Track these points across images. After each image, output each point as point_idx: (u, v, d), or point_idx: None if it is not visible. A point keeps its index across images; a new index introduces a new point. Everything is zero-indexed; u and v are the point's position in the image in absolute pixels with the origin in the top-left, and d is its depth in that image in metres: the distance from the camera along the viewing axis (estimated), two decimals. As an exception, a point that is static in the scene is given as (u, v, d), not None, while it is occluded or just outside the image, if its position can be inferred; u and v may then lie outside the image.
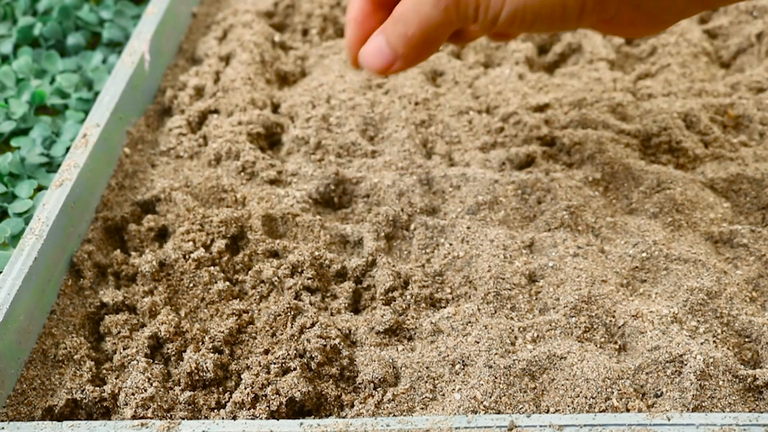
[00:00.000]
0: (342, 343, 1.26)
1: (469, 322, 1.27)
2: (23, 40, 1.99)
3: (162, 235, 1.48)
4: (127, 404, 1.21)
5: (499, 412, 1.15)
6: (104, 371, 1.28)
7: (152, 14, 1.82)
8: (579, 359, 1.19)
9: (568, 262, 1.34)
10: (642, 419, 1.10)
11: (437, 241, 1.42)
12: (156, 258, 1.39)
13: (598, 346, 1.24)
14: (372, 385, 1.22)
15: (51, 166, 1.71)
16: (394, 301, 1.33)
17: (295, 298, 1.34)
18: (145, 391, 1.22)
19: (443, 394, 1.19)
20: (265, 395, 1.20)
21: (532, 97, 1.68)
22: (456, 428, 1.11)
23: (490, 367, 1.19)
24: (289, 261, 1.38)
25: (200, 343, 1.29)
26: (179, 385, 1.24)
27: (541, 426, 1.11)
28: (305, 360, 1.24)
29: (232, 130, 1.62)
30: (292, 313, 1.30)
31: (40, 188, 1.66)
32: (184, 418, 1.20)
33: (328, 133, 1.63)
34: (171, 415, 1.21)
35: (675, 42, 1.77)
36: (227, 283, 1.37)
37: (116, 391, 1.24)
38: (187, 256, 1.39)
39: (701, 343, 1.20)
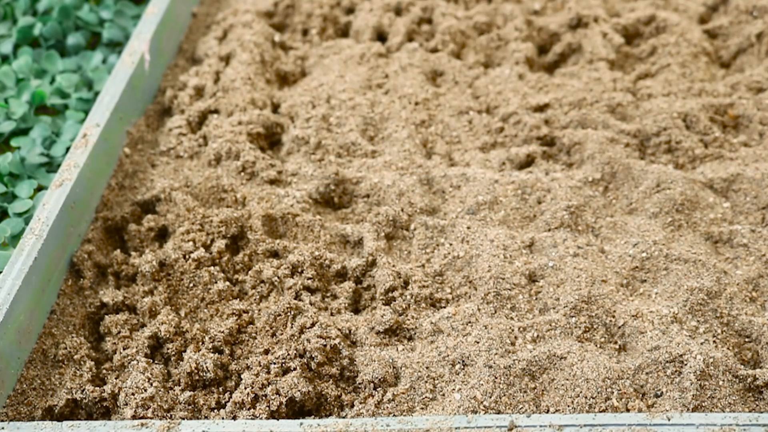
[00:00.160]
0: (342, 343, 1.26)
1: (469, 322, 1.27)
2: (23, 40, 1.99)
3: (162, 235, 1.48)
4: (127, 404, 1.21)
5: (499, 412, 1.15)
6: (104, 371, 1.28)
7: (152, 14, 1.82)
8: (579, 359, 1.19)
9: (568, 262, 1.34)
10: (642, 419, 1.10)
11: (437, 241, 1.42)
12: (156, 258, 1.39)
13: (598, 346, 1.24)
14: (372, 385, 1.22)
15: (51, 166, 1.71)
16: (394, 301, 1.33)
17: (295, 298, 1.34)
18: (145, 391, 1.22)
19: (443, 394, 1.19)
20: (265, 395, 1.20)
21: (532, 97, 1.68)
22: (456, 428, 1.11)
23: (490, 367, 1.19)
24: (289, 261, 1.38)
25: (200, 343, 1.29)
26: (179, 385, 1.24)
27: (541, 426, 1.11)
28: (305, 360, 1.24)
29: (232, 130, 1.62)
30: (292, 313, 1.30)
31: (40, 188, 1.66)
32: (184, 418, 1.20)
33: (328, 133, 1.63)
34: (171, 415, 1.20)
35: (675, 42, 1.77)
36: (227, 283, 1.37)
37: (116, 391, 1.24)
38: (187, 256, 1.39)
39: (701, 343, 1.20)
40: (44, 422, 1.17)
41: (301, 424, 1.14)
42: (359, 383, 1.23)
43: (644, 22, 1.84)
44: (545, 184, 1.48)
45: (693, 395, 1.15)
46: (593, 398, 1.16)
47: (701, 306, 1.26)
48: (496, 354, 1.21)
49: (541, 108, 1.67)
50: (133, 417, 1.20)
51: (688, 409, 1.14)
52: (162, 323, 1.31)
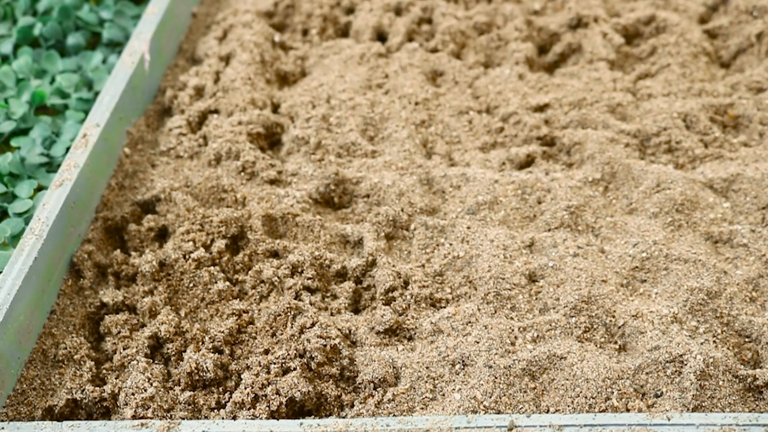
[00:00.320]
0: (342, 343, 1.26)
1: (469, 322, 1.27)
2: (23, 40, 1.99)
3: (162, 235, 1.48)
4: (127, 404, 1.21)
5: (499, 412, 1.15)
6: (104, 371, 1.28)
7: (152, 14, 1.82)
8: (579, 359, 1.19)
9: (568, 262, 1.34)
10: (642, 419, 1.10)
11: (437, 241, 1.42)
12: (156, 258, 1.39)
13: (598, 346, 1.24)
14: (372, 385, 1.22)
15: (51, 166, 1.71)
16: (394, 301, 1.33)
17: (295, 298, 1.34)
18: (145, 391, 1.22)
19: (443, 394, 1.19)
20: (265, 395, 1.20)
21: (532, 97, 1.68)
22: (456, 428, 1.11)
23: (490, 367, 1.19)
24: (289, 261, 1.38)
25: (200, 343, 1.29)
26: (179, 385, 1.24)
27: (541, 426, 1.11)
28: (305, 360, 1.24)
29: (232, 130, 1.62)
30: (292, 313, 1.30)
31: (40, 188, 1.66)
32: (184, 418, 1.20)
33: (328, 133, 1.63)
34: (171, 415, 1.21)
35: (675, 42, 1.77)
36: (227, 283, 1.37)
37: (116, 391, 1.24)
38: (187, 256, 1.39)
39: (701, 343, 1.20)
40: (44, 422, 1.17)
41: (301, 424, 1.14)
42: (359, 383, 1.23)
43: (644, 22, 1.84)
44: (545, 184, 1.48)
45: (693, 395, 1.15)
46: (593, 398, 1.16)
47: (701, 306, 1.26)
48: (496, 354, 1.21)
49: (541, 108, 1.67)
50: (133, 417, 1.20)
51: (688, 409, 1.14)
52: (162, 323, 1.31)
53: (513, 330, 1.25)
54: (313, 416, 1.21)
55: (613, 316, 1.26)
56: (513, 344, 1.23)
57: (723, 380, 1.16)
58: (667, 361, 1.18)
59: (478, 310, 1.28)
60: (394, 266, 1.36)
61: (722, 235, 1.38)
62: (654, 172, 1.48)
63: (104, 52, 1.97)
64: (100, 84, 1.87)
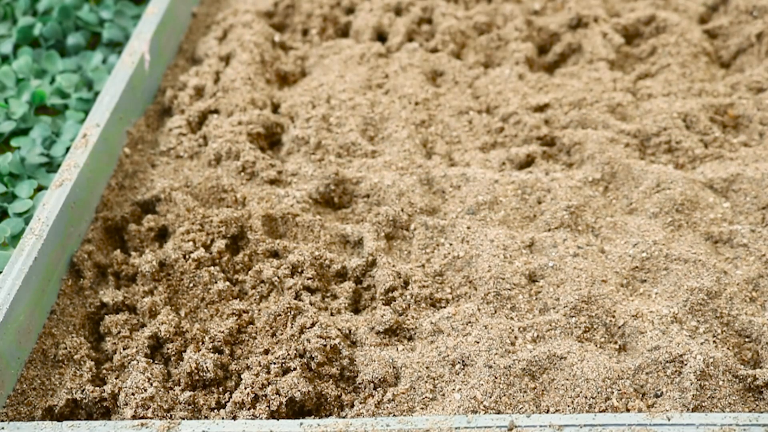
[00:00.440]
0: (342, 343, 1.26)
1: (469, 322, 1.27)
2: (23, 40, 1.99)
3: (162, 235, 1.48)
4: (127, 404, 1.21)
5: (499, 412, 1.15)
6: (104, 371, 1.28)
7: (152, 14, 1.82)
8: (579, 359, 1.19)
9: (568, 262, 1.34)
10: (642, 419, 1.10)
11: (437, 241, 1.42)
12: (156, 258, 1.39)
13: (598, 346, 1.24)
14: (372, 385, 1.22)
15: (51, 166, 1.71)
16: (394, 301, 1.33)
17: (295, 298, 1.34)
18: (145, 391, 1.22)
19: (443, 394, 1.19)
20: (265, 395, 1.20)
21: (532, 97, 1.68)
22: (456, 428, 1.11)
23: (490, 367, 1.19)
24: (289, 261, 1.38)
25: (200, 343, 1.29)
26: (179, 385, 1.24)
27: (541, 426, 1.11)
28: (305, 360, 1.24)
29: (232, 130, 1.62)
30: (292, 313, 1.30)
31: (40, 188, 1.66)
32: (184, 418, 1.20)
33: (328, 133, 1.63)
34: (171, 415, 1.21)
35: (675, 42, 1.77)
36: (227, 283, 1.37)
37: (116, 391, 1.24)
38: (187, 256, 1.39)
39: (701, 343, 1.20)
40: (44, 422, 1.17)
41: (301, 424, 1.14)
42: (359, 383, 1.23)
43: (644, 22, 1.84)
44: (545, 184, 1.48)
45: (693, 395, 1.15)
46: (593, 398, 1.16)
47: (701, 306, 1.26)
48: (496, 354, 1.21)
49: (541, 108, 1.67)
50: (133, 417, 1.20)
51: (688, 409, 1.14)
52: (162, 323, 1.31)
53: (513, 330, 1.25)
54: (313, 416, 1.21)
55: (613, 316, 1.26)
56: (513, 344, 1.23)
57: (723, 380, 1.16)
58: (667, 361, 1.18)
59: (478, 310, 1.28)
60: (394, 266, 1.36)
61: (722, 235, 1.38)
62: (654, 172, 1.48)
63: (104, 52, 1.97)
64: (100, 84, 1.87)
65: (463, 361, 1.21)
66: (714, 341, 1.22)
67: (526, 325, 1.26)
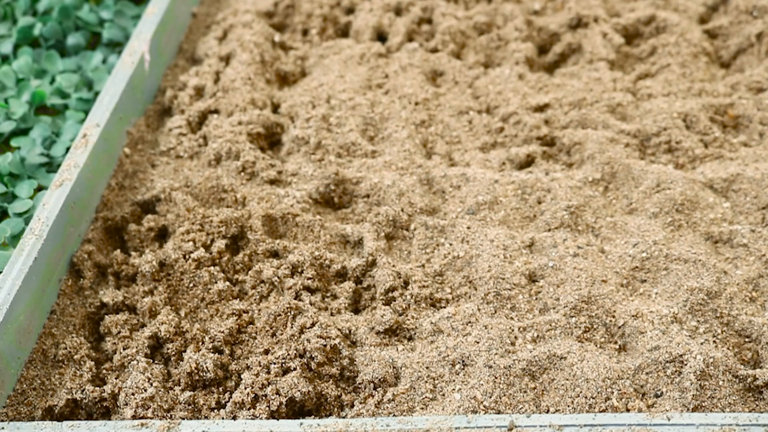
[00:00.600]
0: (342, 343, 1.26)
1: (469, 322, 1.27)
2: (23, 40, 1.99)
3: (162, 235, 1.48)
4: (127, 404, 1.21)
5: (499, 412, 1.15)
6: (104, 371, 1.28)
7: (152, 14, 1.82)
8: (579, 359, 1.19)
9: (568, 262, 1.34)
10: (642, 419, 1.10)
11: (437, 241, 1.42)
12: (156, 258, 1.39)
13: (598, 346, 1.24)
14: (372, 385, 1.22)
15: (51, 166, 1.71)
16: (394, 301, 1.33)
17: (295, 298, 1.34)
18: (145, 391, 1.22)
19: (443, 394, 1.19)
20: (265, 395, 1.20)
21: (532, 97, 1.68)
22: (456, 428, 1.11)
23: (490, 367, 1.19)
24: (289, 261, 1.38)
25: (200, 343, 1.29)
26: (179, 385, 1.24)
27: (541, 426, 1.11)
28: (305, 360, 1.24)
29: (232, 130, 1.62)
30: (292, 313, 1.30)
31: (40, 188, 1.66)
32: (184, 418, 1.20)
33: (328, 133, 1.63)
34: (171, 415, 1.21)
35: (675, 42, 1.77)
36: (227, 283, 1.37)
37: (116, 391, 1.24)
38: (187, 256, 1.39)
39: (701, 343, 1.20)
40: (44, 422, 1.17)
41: (301, 424, 1.14)
42: (359, 383, 1.23)
43: (644, 22, 1.84)
44: (545, 184, 1.48)
45: (693, 395, 1.15)
46: (593, 398, 1.16)
47: (701, 306, 1.26)
48: (496, 354, 1.21)
49: (541, 108, 1.67)
50: (133, 417, 1.20)
51: (688, 409, 1.14)
52: (162, 323, 1.31)
53: (513, 330, 1.25)
54: (313, 416, 1.21)
55: (613, 316, 1.26)
56: (513, 344, 1.23)
57: (723, 380, 1.16)
58: (667, 361, 1.18)
59: (478, 310, 1.28)
60: (394, 266, 1.36)
61: (722, 235, 1.38)
62: (654, 172, 1.48)
63: (104, 52, 1.97)
64: (100, 84, 1.87)
65: (463, 361, 1.21)
66: (714, 341, 1.22)
67: (526, 325, 1.26)
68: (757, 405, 1.16)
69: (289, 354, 1.24)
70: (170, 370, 1.28)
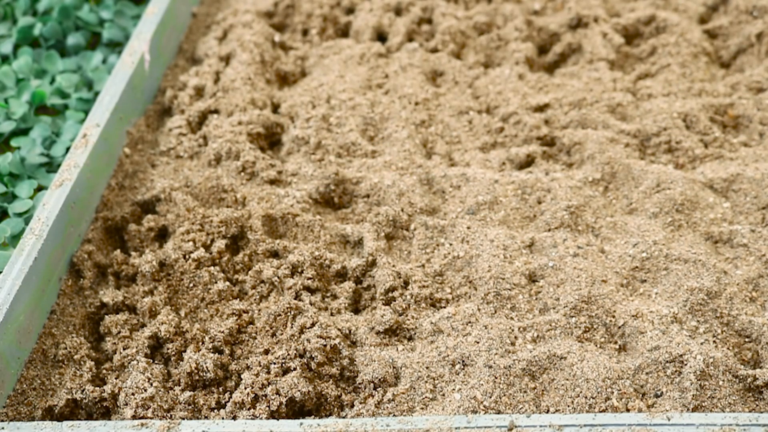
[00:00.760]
0: (342, 343, 1.26)
1: (469, 322, 1.27)
2: (23, 40, 1.99)
3: (162, 235, 1.48)
4: (127, 404, 1.21)
5: (499, 412, 1.15)
6: (104, 371, 1.28)
7: (152, 14, 1.82)
8: (579, 359, 1.19)
9: (568, 262, 1.34)
10: (642, 419, 1.10)
11: (437, 241, 1.42)
12: (156, 258, 1.39)
13: (598, 346, 1.24)
14: (372, 385, 1.22)
15: (51, 166, 1.71)
16: (394, 301, 1.33)
17: (295, 298, 1.34)
18: (145, 391, 1.22)
19: (443, 394, 1.19)
20: (265, 395, 1.20)
21: (532, 97, 1.68)
22: (456, 428, 1.11)
23: (490, 367, 1.19)
24: (289, 261, 1.38)
25: (200, 343, 1.29)
26: (179, 385, 1.24)
27: (541, 426, 1.11)
28: (305, 360, 1.24)
29: (232, 130, 1.62)
30: (292, 313, 1.30)
31: (40, 188, 1.66)
32: (184, 418, 1.20)
33: (328, 133, 1.63)
34: (171, 415, 1.21)
35: (675, 42, 1.77)
36: (227, 283, 1.37)
37: (116, 391, 1.24)
38: (187, 256, 1.39)
39: (701, 343, 1.20)
40: (44, 422, 1.17)
41: (301, 424, 1.14)
42: (359, 383, 1.23)
43: (644, 22, 1.84)
44: (545, 184, 1.48)
45: (693, 395, 1.15)
46: (593, 398, 1.16)
47: (701, 306, 1.26)
48: (496, 354, 1.21)
49: (541, 108, 1.67)
50: (133, 417, 1.20)
51: (688, 409, 1.14)
52: (162, 323, 1.31)
53: (513, 330, 1.25)
54: (313, 416, 1.21)
55: (613, 316, 1.26)
56: (513, 344, 1.23)
57: (723, 380, 1.16)
58: (667, 361, 1.18)
59: (478, 310, 1.28)
60: (394, 266, 1.36)
61: (722, 235, 1.38)
62: (654, 172, 1.48)
63: (104, 52, 1.97)
64: (100, 84, 1.87)
65: (463, 361, 1.21)
66: (714, 341, 1.22)
67: (526, 325, 1.26)
68: (757, 405, 1.16)
69: (289, 354, 1.24)
70: (170, 370, 1.28)
